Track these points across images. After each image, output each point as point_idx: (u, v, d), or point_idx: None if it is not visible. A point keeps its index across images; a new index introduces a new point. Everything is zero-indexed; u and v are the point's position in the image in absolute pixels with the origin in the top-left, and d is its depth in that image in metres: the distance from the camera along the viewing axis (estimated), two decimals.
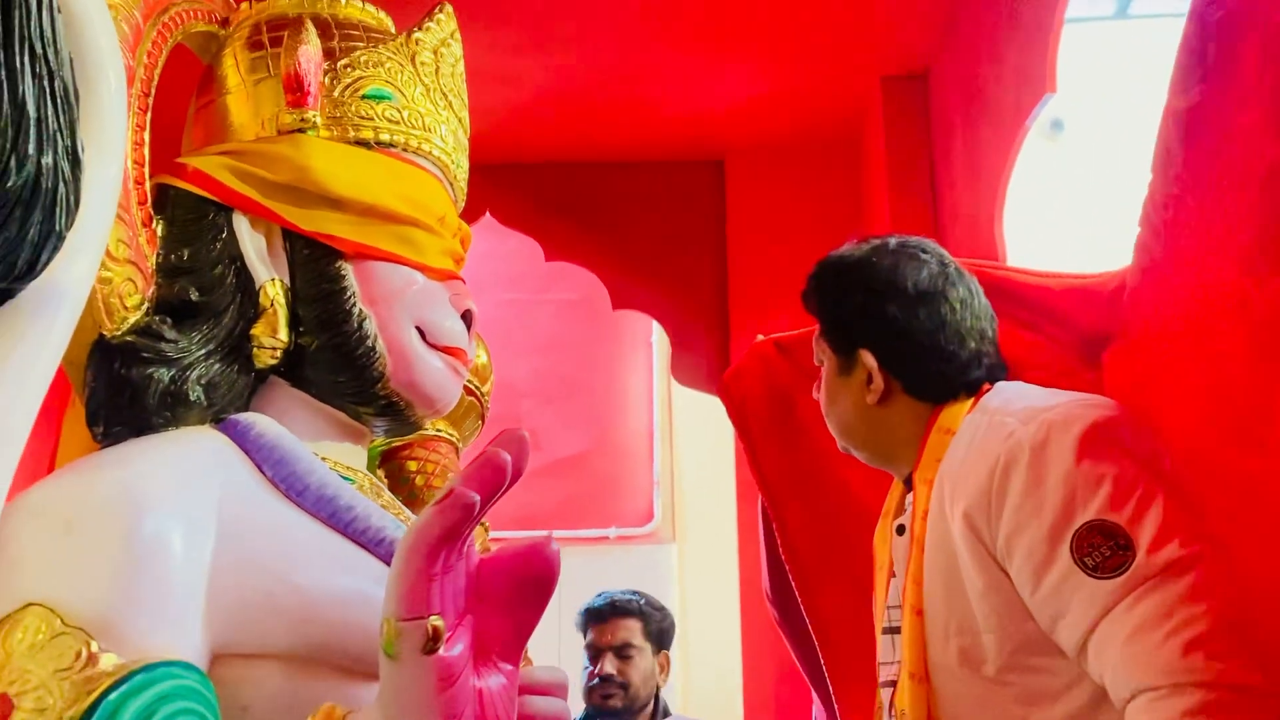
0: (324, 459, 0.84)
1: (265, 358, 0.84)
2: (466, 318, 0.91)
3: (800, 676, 1.59)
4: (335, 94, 0.88)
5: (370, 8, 0.98)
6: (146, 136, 0.86)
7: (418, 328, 0.88)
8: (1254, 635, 0.89)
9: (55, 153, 0.56)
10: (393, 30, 0.98)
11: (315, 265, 0.86)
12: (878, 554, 1.21)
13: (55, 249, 0.58)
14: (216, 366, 0.83)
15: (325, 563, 0.78)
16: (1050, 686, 1.00)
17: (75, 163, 0.58)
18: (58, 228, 0.57)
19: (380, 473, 1.09)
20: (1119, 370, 1.10)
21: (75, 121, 0.58)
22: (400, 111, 0.90)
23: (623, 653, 2.24)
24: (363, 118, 0.88)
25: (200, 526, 0.73)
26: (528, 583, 0.63)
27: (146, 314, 0.82)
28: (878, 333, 1.15)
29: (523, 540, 0.64)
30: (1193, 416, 0.98)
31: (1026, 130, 1.85)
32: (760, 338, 1.60)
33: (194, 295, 0.84)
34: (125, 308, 0.81)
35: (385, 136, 0.89)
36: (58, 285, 0.61)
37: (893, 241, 1.20)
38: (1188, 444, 0.98)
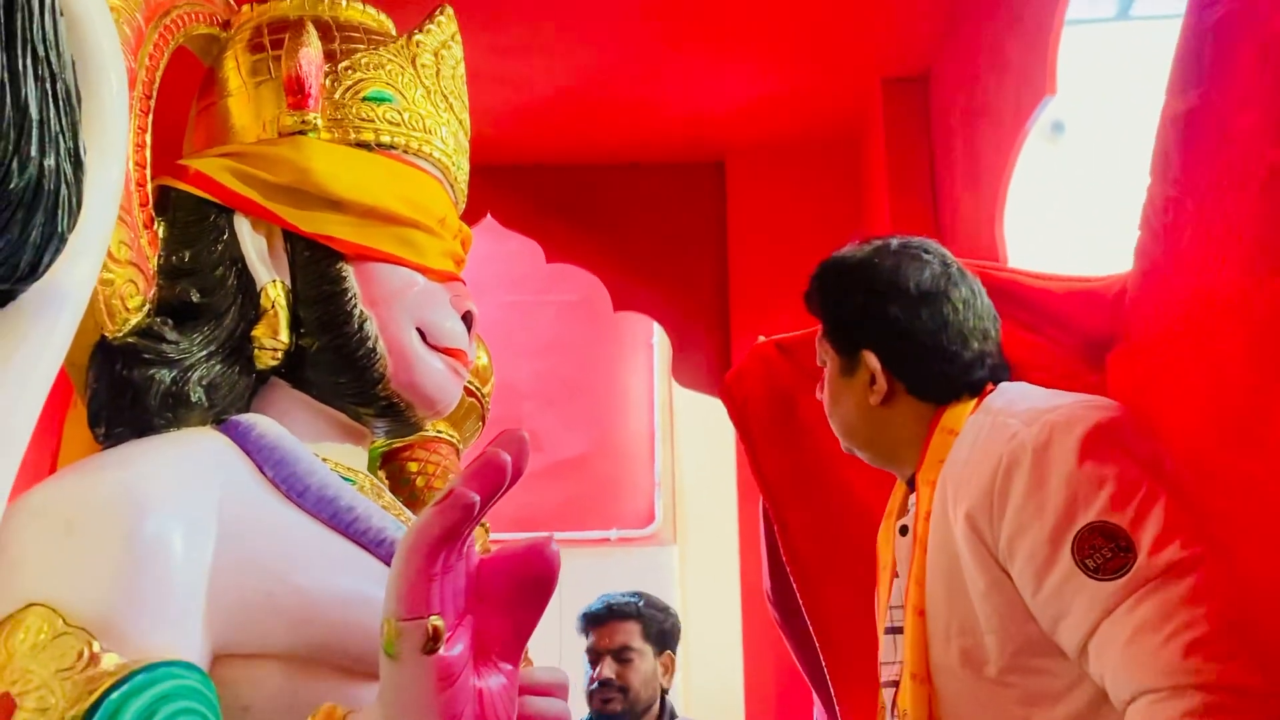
0: (325, 460, 0.85)
1: (266, 359, 0.84)
2: (467, 319, 0.92)
3: (801, 678, 1.59)
4: (336, 96, 0.89)
5: (371, 10, 0.98)
6: (148, 139, 0.87)
7: (418, 329, 0.88)
8: (1254, 637, 0.89)
9: (57, 155, 0.56)
10: (394, 32, 0.98)
11: (316, 267, 0.86)
12: (881, 554, 1.22)
13: (57, 251, 0.58)
14: (218, 368, 0.83)
15: (326, 563, 0.78)
16: (1051, 688, 1.00)
17: (77, 165, 0.58)
18: (60, 229, 0.58)
19: (381, 474, 1.09)
20: (1121, 373, 1.11)
21: (77, 124, 0.59)
22: (401, 113, 0.90)
23: (621, 656, 2.23)
24: (363, 120, 0.89)
25: (201, 527, 0.73)
26: (528, 583, 0.64)
27: (148, 315, 0.83)
28: (880, 333, 1.15)
29: (523, 541, 0.64)
30: (1194, 418, 0.98)
31: (1027, 132, 1.85)
32: (761, 339, 1.60)
33: (195, 297, 0.84)
34: (127, 309, 0.82)
35: (386, 138, 0.89)
36: (60, 287, 0.61)
37: (895, 242, 1.20)
38: (1189, 446, 0.98)
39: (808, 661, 1.54)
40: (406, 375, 0.87)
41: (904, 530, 1.15)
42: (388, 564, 0.67)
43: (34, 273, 0.58)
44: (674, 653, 2.31)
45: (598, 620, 2.29)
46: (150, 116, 0.88)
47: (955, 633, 1.04)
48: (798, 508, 1.54)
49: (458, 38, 0.98)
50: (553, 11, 2.06)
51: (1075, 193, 3.49)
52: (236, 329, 0.84)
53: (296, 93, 0.86)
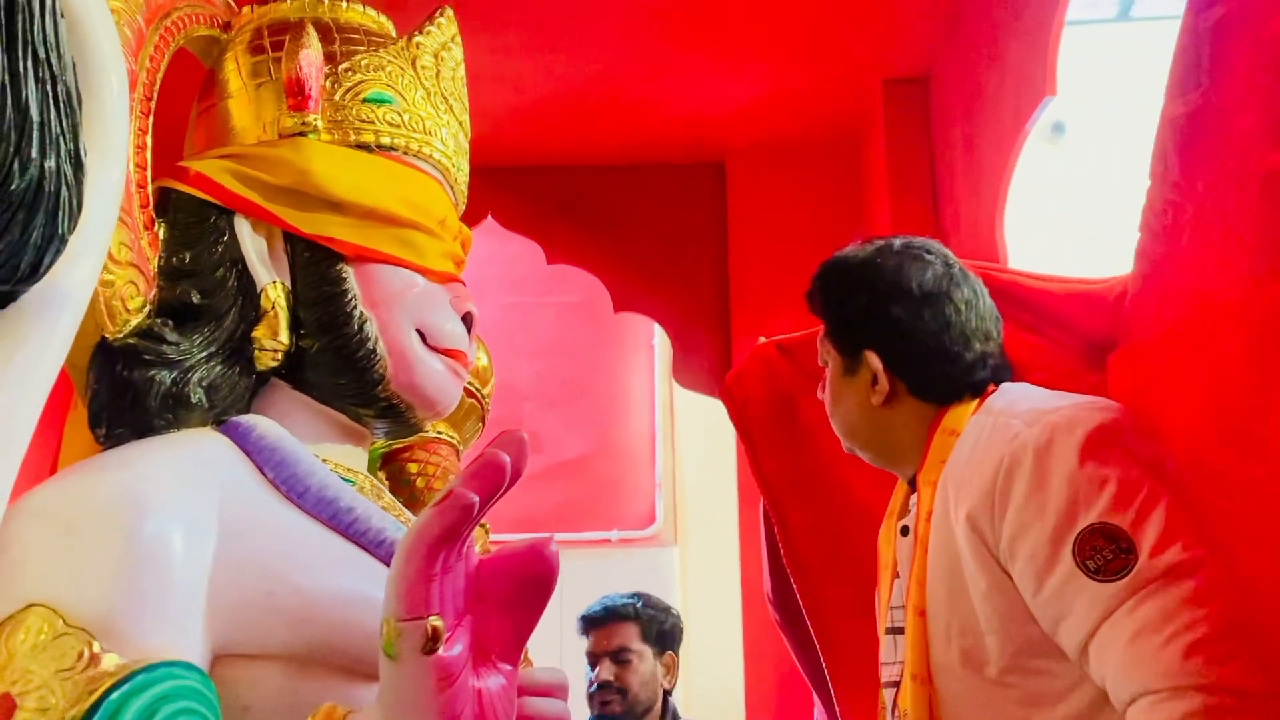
0: (325, 461, 0.85)
1: (266, 360, 0.85)
2: (467, 320, 0.92)
3: (802, 679, 1.59)
4: (336, 98, 0.89)
5: (371, 12, 0.98)
6: (149, 140, 0.87)
7: (418, 330, 0.88)
8: (1255, 639, 0.89)
9: (58, 156, 0.56)
10: (394, 34, 0.98)
11: (316, 268, 0.86)
12: (882, 554, 1.22)
13: (58, 252, 0.59)
14: (218, 369, 0.83)
15: (326, 564, 0.78)
16: (1052, 689, 1.00)
17: (78, 166, 0.59)
18: (60, 231, 0.58)
19: (381, 475, 1.09)
20: (1122, 374, 1.11)
21: (78, 126, 0.59)
22: (401, 115, 0.90)
23: (619, 658, 2.22)
24: (363, 121, 0.89)
25: (201, 527, 0.73)
26: (527, 583, 0.64)
27: (148, 316, 0.83)
28: (883, 334, 1.15)
29: (522, 541, 0.64)
30: (1194, 420, 0.98)
31: (1027, 133, 1.85)
32: (762, 340, 1.60)
33: (195, 298, 0.84)
34: (127, 310, 0.82)
35: (386, 140, 0.89)
36: (60, 288, 0.61)
37: (897, 242, 1.19)
38: (1189, 447, 0.98)
39: (808, 662, 1.54)
40: (406, 376, 0.87)
41: (905, 531, 1.15)
42: (387, 564, 0.67)
43: (34, 274, 0.58)
44: (676, 653, 2.30)
45: (595, 622, 2.28)
46: (151, 118, 0.88)
47: (956, 633, 1.04)
48: (798, 508, 1.54)
49: (458, 39, 0.98)
50: (553, 13, 2.06)
51: (1076, 193, 3.49)
52: (237, 330, 0.84)
53: (297, 94, 0.87)
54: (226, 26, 0.97)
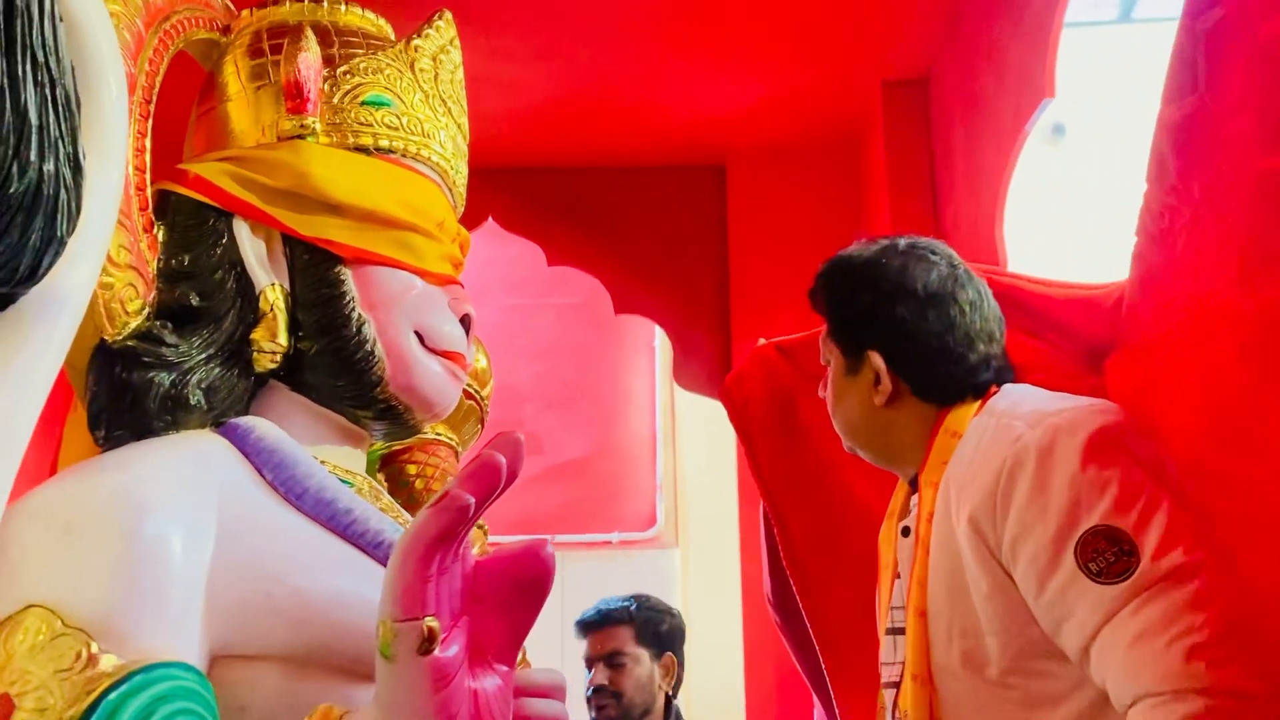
0: (323, 462, 0.85)
1: (265, 362, 0.85)
2: (465, 322, 0.92)
3: (802, 680, 1.59)
4: (335, 101, 0.89)
5: (370, 15, 0.98)
6: (148, 143, 0.87)
7: (416, 332, 0.88)
8: (1256, 641, 0.89)
9: (57, 159, 0.57)
10: (392, 38, 0.99)
11: (315, 270, 0.87)
12: (882, 554, 1.21)
13: (57, 255, 0.59)
14: (216, 371, 0.83)
15: (324, 565, 0.78)
16: (1053, 690, 1.00)
17: (77, 169, 0.59)
18: (59, 234, 0.58)
19: (380, 476, 1.10)
20: (1119, 377, 1.11)
21: (77, 129, 0.59)
22: (399, 118, 0.90)
23: (613, 661, 2.20)
24: (362, 124, 0.89)
25: (200, 529, 0.74)
26: (523, 585, 0.64)
27: (147, 319, 0.83)
28: (886, 334, 1.15)
29: (518, 543, 0.64)
30: (1191, 423, 0.98)
31: (1026, 135, 1.85)
32: (762, 341, 1.60)
33: (194, 300, 0.84)
34: (126, 312, 0.82)
35: (384, 142, 0.89)
36: (59, 290, 0.61)
37: (902, 242, 1.19)
38: (1187, 450, 0.98)
39: (807, 663, 1.54)
40: (404, 378, 0.88)
41: (906, 532, 1.15)
42: (385, 566, 0.67)
43: (33, 276, 0.58)
44: (677, 655, 2.27)
45: (590, 626, 2.27)
46: (150, 121, 0.88)
47: (957, 634, 1.04)
48: (797, 510, 1.54)
49: (456, 42, 0.99)
50: (554, 15, 2.06)
51: (1076, 195, 3.49)
52: (235, 332, 0.84)
53: (295, 97, 0.87)
54: (226, 30, 0.97)
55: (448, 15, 0.99)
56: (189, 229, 0.86)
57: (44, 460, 0.87)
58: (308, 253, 0.87)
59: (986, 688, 1.03)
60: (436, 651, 0.58)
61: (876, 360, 1.15)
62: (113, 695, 0.62)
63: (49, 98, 0.56)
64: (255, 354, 0.85)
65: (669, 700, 2.27)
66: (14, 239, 0.55)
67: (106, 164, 0.65)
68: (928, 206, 2.22)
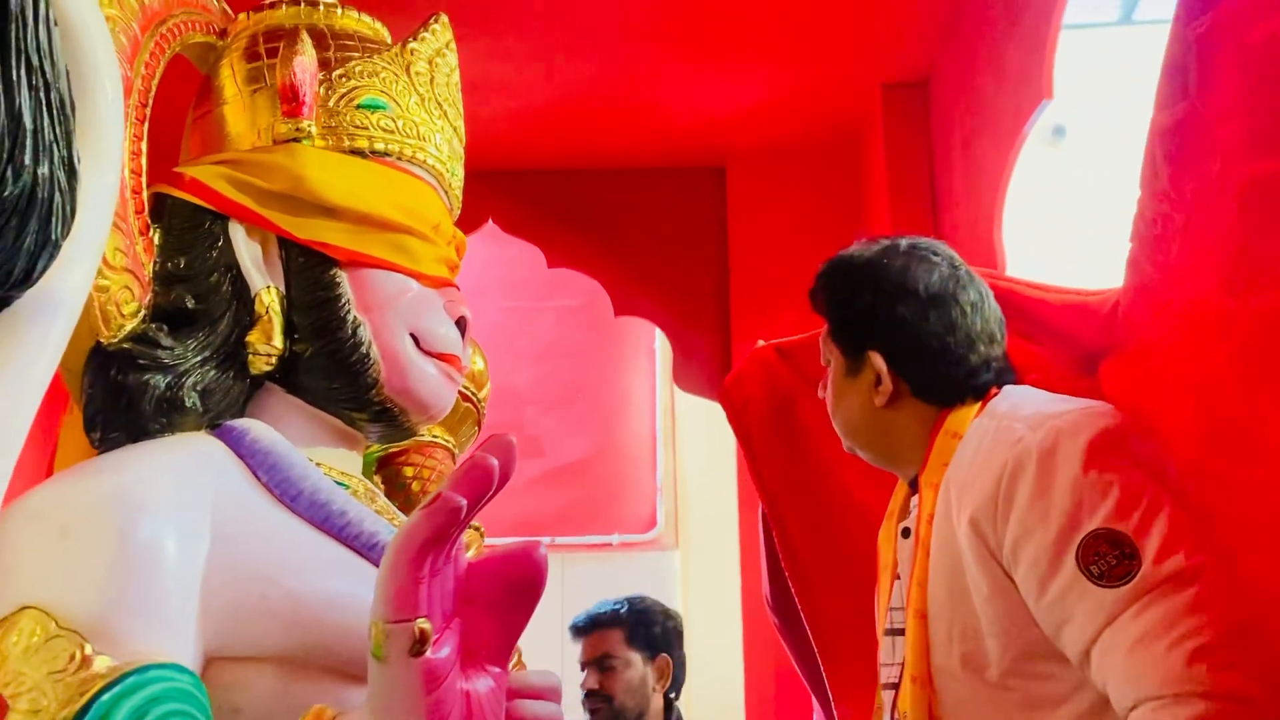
0: (318, 464, 0.85)
1: (260, 364, 0.85)
2: (461, 324, 0.92)
3: (802, 683, 1.59)
4: (330, 104, 0.89)
5: (367, 19, 0.99)
6: (144, 146, 0.87)
7: (412, 334, 0.88)
8: (1257, 644, 0.89)
9: (51, 163, 0.57)
10: (389, 41, 0.99)
11: (310, 273, 0.87)
12: (882, 554, 1.21)
13: (51, 258, 0.59)
14: (212, 373, 0.84)
15: (318, 567, 0.79)
16: (1053, 692, 1.00)
17: (71, 173, 0.59)
18: (53, 237, 0.58)
19: (377, 478, 1.10)
20: (1114, 382, 1.11)
21: (71, 132, 0.59)
22: (395, 121, 0.91)
23: (603, 665, 2.20)
24: (357, 127, 0.89)
25: (194, 530, 0.74)
26: (516, 586, 0.64)
27: (143, 321, 0.83)
28: (887, 335, 1.14)
29: (511, 544, 0.65)
30: (1185, 429, 0.98)
31: (1025, 137, 1.85)
32: (761, 343, 1.60)
33: (190, 303, 0.85)
34: (122, 315, 0.82)
35: (380, 145, 0.90)
36: (54, 294, 0.62)
37: (903, 243, 1.19)
38: (1183, 455, 0.98)
39: (806, 666, 1.54)
40: (400, 381, 0.88)
41: (906, 533, 1.15)
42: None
43: (28, 279, 0.59)
44: (673, 657, 2.26)
45: (581, 631, 2.26)
46: (146, 124, 0.88)
47: (957, 636, 1.04)
48: (796, 511, 1.54)
49: (452, 45, 0.99)
50: (554, 17, 2.07)
51: (1077, 197, 3.48)
52: (231, 335, 0.85)
53: (291, 100, 0.87)
54: (222, 33, 0.97)
55: (444, 18, 0.99)
56: (185, 232, 0.87)
57: (40, 462, 0.87)
58: (303, 255, 0.87)
59: (986, 689, 1.03)
60: (428, 653, 0.59)
61: (877, 361, 1.15)
62: (106, 697, 0.62)
63: (43, 102, 0.56)
64: (250, 356, 0.85)
65: (670, 702, 2.26)
66: (8, 242, 0.56)
67: (102, 167, 0.65)
68: (927, 209, 2.22)
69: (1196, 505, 0.96)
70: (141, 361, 0.81)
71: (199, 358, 0.83)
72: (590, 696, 2.20)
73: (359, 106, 0.90)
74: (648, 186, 2.62)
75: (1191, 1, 0.88)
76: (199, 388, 0.83)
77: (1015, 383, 1.16)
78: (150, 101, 0.88)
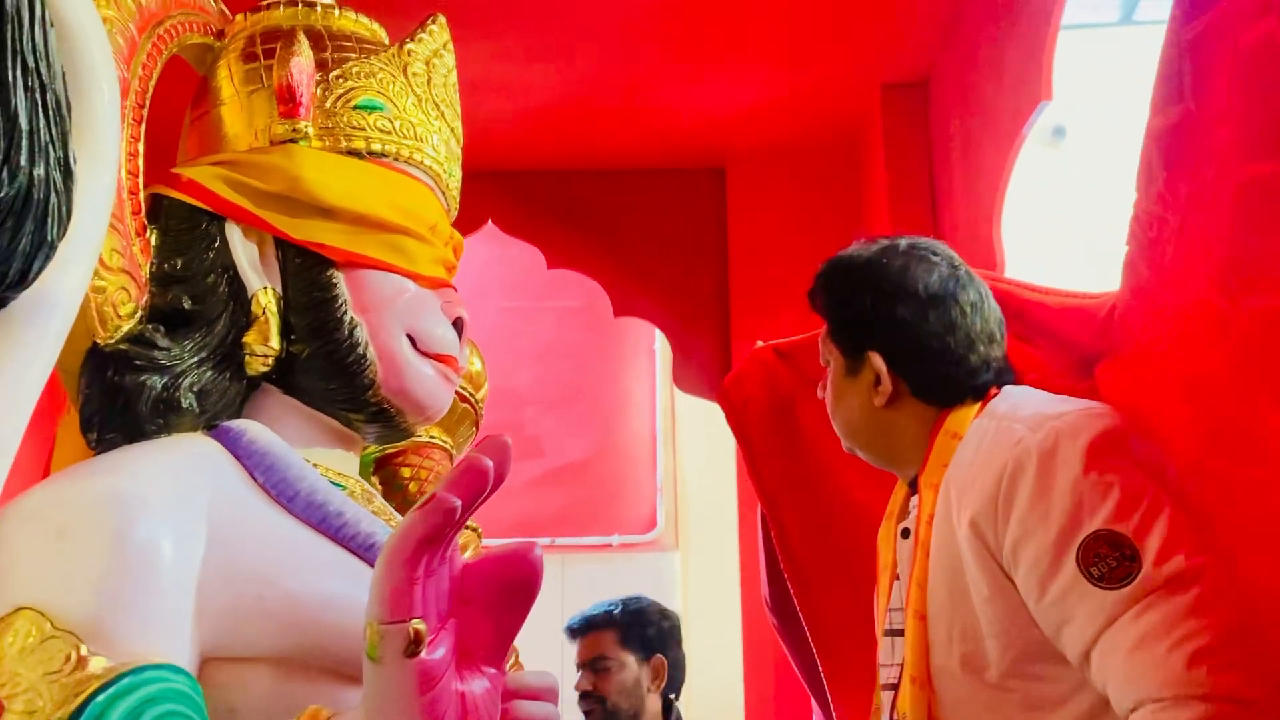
0: (315, 465, 0.85)
1: (257, 365, 0.85)
2: (458, 325, 0.92)
3: (801, 684, 1.59)
4: (327, 105, 0.89)
5: (364, 20, 0.99)
6: (141, 147, 0.87)
7: (409, 335, 0.88)
8: (1257, 646, 0.89)
9: (47, 164, 0.57)
10: (387, 42, 0.99)
11: (307, 274, 0.87)
12: (881, 554, 1.21)
13: (47, 259, 0.59)
14: (209, 374, 0.84)
15: (315, 567, 0.79)
16: (1053, 693, 1.00)
17: (67, 174, 0.59)
18: (49, 238, 0.59)
19: (375, 479, 1.10)
20: (1110, 384, 1.11)
21: (67, 133, 0.59)
22: (392, 121, 0.91)
23: (596, 666, 2.19)
24: (354, 128, 0.89)
25: (191, 531, 0.74)
26: (511, 587, 0.64)
27: (140, 322, 0.83)
28: (887, 335, 1.14)
29: (507, 545, 0.65)
30: (1182, 431, 0.98)
31: (1024, 138, 1.85)
32: (760, 344, 1.60)
33: (187, 304, 0.85)
34: (119, 316, 0.82)
35: (377, 146, 0.90)
36: (50, 295, 0.62)
37: (903, 243, 1.19)
38: (1179, 458, 0.98)
39: (805, 667, 1.54)
40: (397, 381, 0.88)
41: (905, 533, 1.15)
42: None
43: (23, 281, 0.59)
44: (669, 657, 2.23)
45: (575, 633, 2.25)
46: (143, 125, 0.88)
47: (957, 637, 1.04)
48: (795, 512, 1.54)
49: (450, 46, 0.99)
50: (553, 18, 2.07)
51: (1078, 197, 3.48)
52: (228, 335, 0.85)
53: (288, 101, 0.87)
54: (220, 34, 0.97)
55: (441, 19, 0.99)
56: (181, 233, 0.87)
57: (37, 464, 0.88)
58: (300, 256, 0.87)
59: (986, 690, 1.03)
60: (423, 654, 0.58)
61: (877, 361, 1.15)
62: (100, 697, 0.63)
63: (39, 102, 0.57)
64: (247, 357, 0.85)
65: (670, 703, 2.25)
66: (3, 243, 0.56)
67: (98, 168, 0.65)
68: (926, 209, 2.22)
69: (1196, 506, 0.96)
70: (138, 362, 0.81)
71: (195, 358, 0.83)
72: (584, 698, 2.19)
73: (356, 107, 0.90)
74: (647, 187, 2.62)
75: (1186, 5, 0.88)
76: (195, 389, 0.83)
77: (1014, 383, 1.16)
78: (147, 102, 0.88)
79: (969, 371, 1.13)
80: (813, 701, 1.57)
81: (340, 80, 0.90)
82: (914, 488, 1.15)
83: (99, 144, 0.65)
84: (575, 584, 3.04)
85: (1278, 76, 0.80)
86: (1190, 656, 0.89)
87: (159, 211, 0.88)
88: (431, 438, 1.12)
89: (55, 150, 0.58)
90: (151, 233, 0.87)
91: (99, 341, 0.82)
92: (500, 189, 2.46)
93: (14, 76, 0.55)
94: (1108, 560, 0.94)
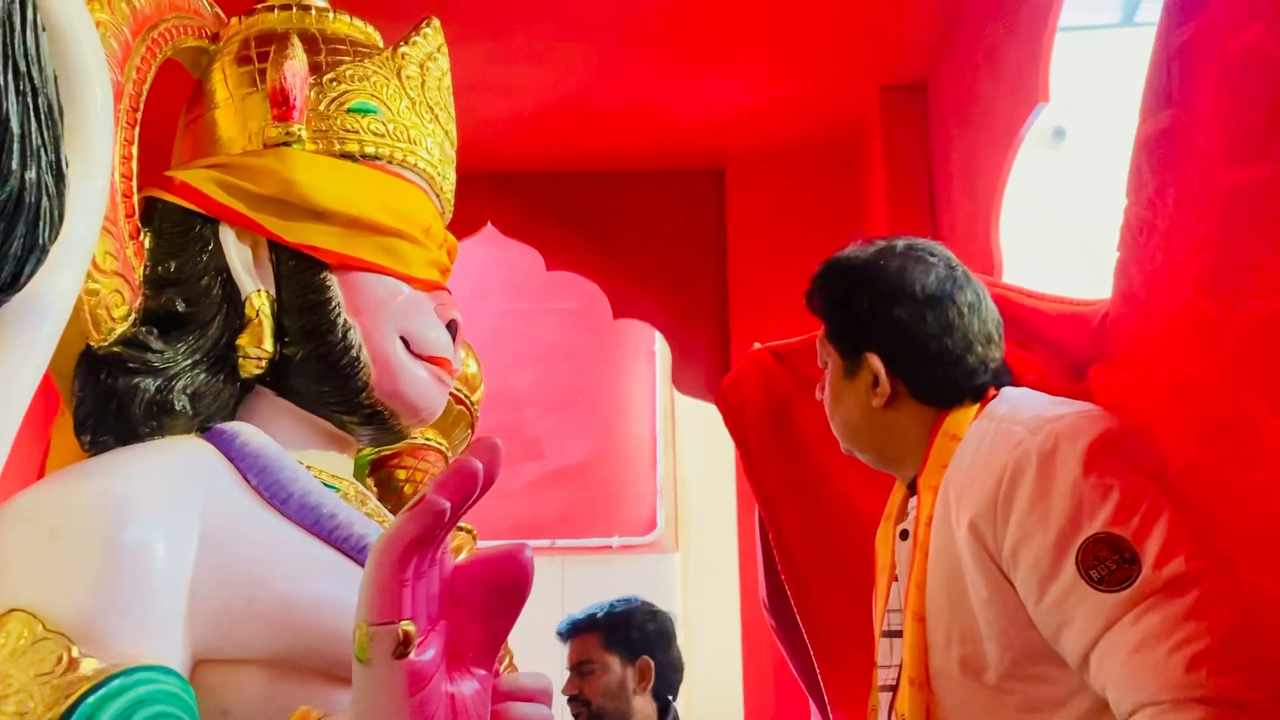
0: (309, 468, 0.86)
1: (251, 368, 0.85)
2: (452, 327, 0.92)
3: (800, 686, 1.59)
4: (321, 108, 0.89)
5: (359, 23, 0.99)
6: (135, 150, 0.88)
7: (402, 338, 0.89)
8: (1257, 649, 0.89)
9: (39, 168, 0.57)
10: (381, 45, 0.99)
11: (300, 276, 0.87)
12: (879, 556, 1.21)
13: (39, 262, 0.59)
14: (202, 376, 0.84)
15: (307, 569, 0.79)
16: (1051, 695, 1.00)
17: (59, 177, 0.60)
18: (41, 241, 0.59)
19: (370, 481, 1.10)
20: (1102, 388, 1.10)
21: (59, 137, 0.60)
22: (386, 125, 0.91)
23: (580, 669, 2.17)
24: (348, 131, 0.89)
25: (183, 533, 0.74)
26: (502, 589, 0.64)
27: (133, 325, 0.83)
28: (885, 336, 1.14)
29: (498, 547, 0.65)
30: (1175, 434, 0.98)
31: (1022, 139, 1.85)
32: (757, 345, 1.60)
33: (180, 306, 0.85)
34: (112, 319, 0.83)
35: (370, 149, 0.90)
36: (42, 298, 0.62)
37: (900, 243, 1.18)
38: (1175, 461, 0.98)
39: (803, 669, 1.54)
40: (390, 384, 0.88)
41: (904, 535, 1.15)
42: None
43: (15, 284, 0.59)
44: (657, 658, 2.18)
45: (562, 637, 2.23)
46: (137, 128, 0.88)
47: (956, 639, 1.04)
48: (792, 514, 1.53)
49: (444, 50, 0.99)
50: (553, 20, 2.07)
51: (1077, 198, 3.48)
52: (221, 338, 0.85)
53: (281, 104, 0.87)
54: (214, 38, 0.97)
55: (435, 22, 0.99)
56: (175, 235, 0.87)
57: (31, 467, 0.88)
58: (293, 259, 0.87)
59: (985, 692, 1.02)
60: (412, 655, 0.59)
61: (875, 362, 1.15)
62: (91, 699, 0.63)
63: (31, 106, 0.57)
64: (241, 360, 0.85)
65: (668, 703, 2.25)
66: None
67: (91, 171, 0.66)
68: (925, 211, 2.22)
69: (1195, 509, 0.96)
70: (131, 365, 0.81)
71: (189, 361, 0.84)
72: (571, 701, 2.19)
73: (350, 110, 0.90)
74: (646, 189, 2.63)
75: (1175, 11, 0.88)
76: (189, 391, 0.83)
77: (1012, 385, 1.16)
78: (141, 106, 0.89)
79: (967, 372, 1.13)
80: (810, 703, 1.57)
81: (334, 83, 0.90)
82: (912, 489, 1.15)
83: (91, 148, 0.66)
84: (575, 586, 3.04)
85: (1264, 82, 0.80)
86: (1190, 659, 0.89)
87: (153, 214, 0.88)
88: (426, 440, 1.12)
89: (47, 154, 0.58)
90: (145, 235, 0.87)
91: (92, 344, 0.82)
92: (499, 191, 2.47)
93: (5, 80, 0.55)
94: (1107, 563, 0.94)
